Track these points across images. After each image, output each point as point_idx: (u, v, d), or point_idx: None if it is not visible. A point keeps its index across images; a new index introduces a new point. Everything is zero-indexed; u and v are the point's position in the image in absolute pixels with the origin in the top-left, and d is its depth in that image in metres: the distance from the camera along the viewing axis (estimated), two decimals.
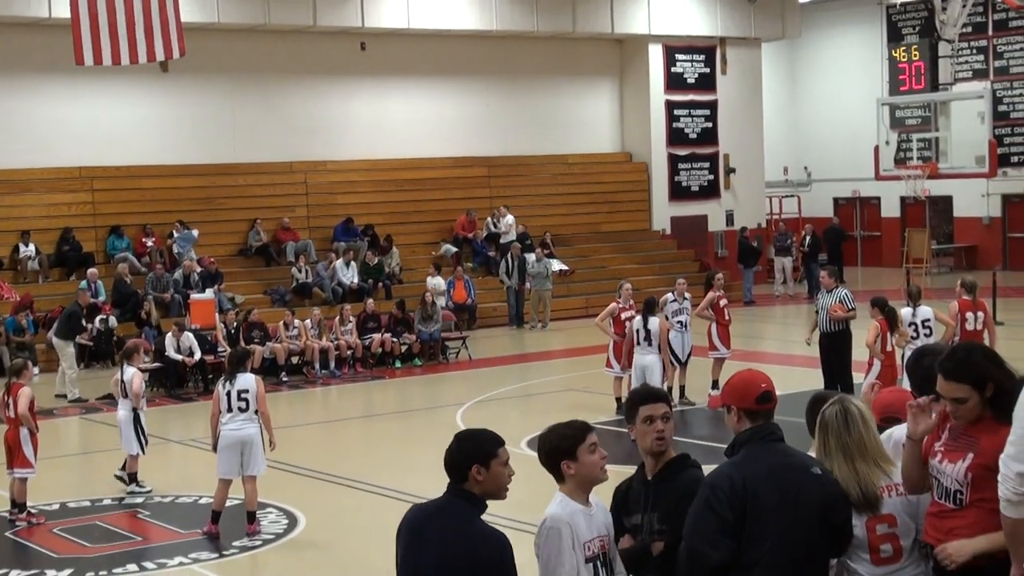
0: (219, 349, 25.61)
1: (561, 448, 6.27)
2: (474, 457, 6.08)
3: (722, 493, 6.02)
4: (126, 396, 16.43)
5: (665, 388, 19.28)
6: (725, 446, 6.44)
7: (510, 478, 6.17)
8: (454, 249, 34.81)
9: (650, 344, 19.46)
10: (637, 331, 19.62)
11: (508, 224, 35.39)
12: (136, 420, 16.41)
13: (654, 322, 19.51)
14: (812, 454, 6.50)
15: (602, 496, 6.54)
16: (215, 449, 14.24)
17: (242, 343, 24.85)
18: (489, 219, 35.76)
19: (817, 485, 6.15)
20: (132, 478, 16.43)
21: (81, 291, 27.34)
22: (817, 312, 20.34)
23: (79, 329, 25.65)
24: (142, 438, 16.44)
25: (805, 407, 6.80)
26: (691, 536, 6.05)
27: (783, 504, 6.02)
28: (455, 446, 6.15)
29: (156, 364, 25.02)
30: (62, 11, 25.19)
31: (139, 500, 16.07)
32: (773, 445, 6.24)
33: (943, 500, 6.10)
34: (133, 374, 16.58)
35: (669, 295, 22.00)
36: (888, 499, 6.34)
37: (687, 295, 21.89)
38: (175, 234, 31.30)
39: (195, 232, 31.35)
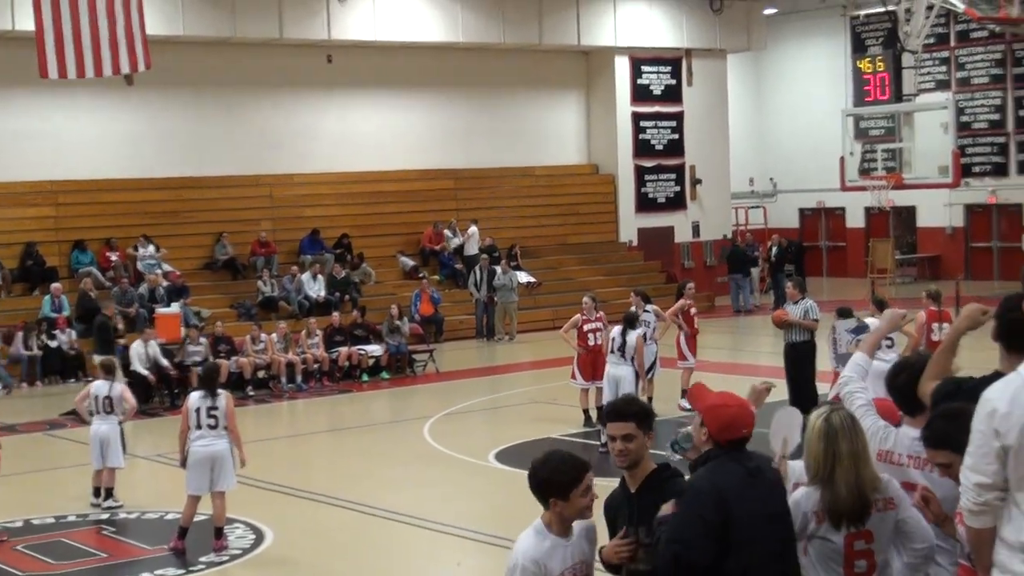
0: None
1: (553, 483, 6.23)
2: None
3: (706, 497, 6.04)
4: (110, 411, 16.36)
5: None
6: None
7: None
8: (411, 263, 34.80)
9: (623, 356, 19.41)
10: (613, 339, 19.54)
11: (470, 235, 35.34)
12: (120, 434, 16.38)
13: (632, 335, 19.47)
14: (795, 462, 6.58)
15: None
16: (183, 465, 14.17)
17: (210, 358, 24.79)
18: (447, 231, 35.71)
19: (773, 481, 6.32)
20: (109, 492, 16.36)
21: (107, 303, 27.13)
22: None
23: (113, 340, 25.27)
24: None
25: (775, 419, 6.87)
26: (673, 541, 6.03)
27: (761, 507, 6.07)
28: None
29: (125, 379, 24.84)
30: (26, 24, 25.06)
31: (105, 516, 15.98)
32: (743, 453, 6.28)
33: (964, 561, 6.18)
34: (121, 389, 16.61)
35: (631, 308, 21.94)
36: (872, 514, 6.38)
37: (647, 307, 21.79)
38: (139, 249, 31.13)
39: (156, 251, 31.21)
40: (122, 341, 26.58)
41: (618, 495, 6.60)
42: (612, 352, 19.50)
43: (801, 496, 6.42)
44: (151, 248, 31.26)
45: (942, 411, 6.41)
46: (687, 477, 6.42)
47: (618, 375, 19.28)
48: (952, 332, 7.07)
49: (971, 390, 6.05)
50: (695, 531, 5.98)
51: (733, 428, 6.29)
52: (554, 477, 6.19)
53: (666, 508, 6.24)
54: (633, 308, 21.46)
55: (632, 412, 6.57)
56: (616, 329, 19.67)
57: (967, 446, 5.78)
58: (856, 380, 7.24)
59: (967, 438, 5.82)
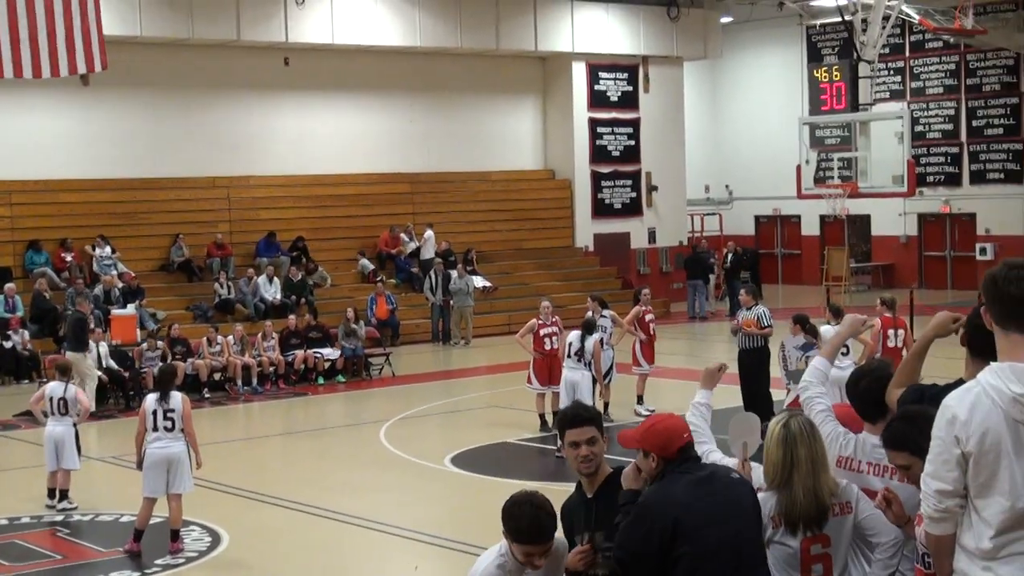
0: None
1: (513, 530, 6.14)
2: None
3: (653, 506, 6.06)
4: (65, 412, 16.29)
5: (598, 404, 19.37)
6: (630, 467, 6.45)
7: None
8: (371, 266, 34.79)
9: (579, 360, 19.44)
10: (570, 343, 19.55)
11: (426, 240, 35.33)
12: (75, 435, 16.32)
13: (590, 341, 19.50)
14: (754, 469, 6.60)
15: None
16: (139, 467, 14.11)
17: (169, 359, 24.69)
18: (403, 234, 35.70)
19: (739, 487, 6.29)
20: (64, 494, 16.28)
21: (80, 299, 26.91)
22: (737, 332, 20.52)
23: (87, 338, 24.99)
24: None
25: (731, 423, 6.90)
26: (620, 547, 6.07)
27: (711, 513, 6.07)
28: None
29: (75, 380, 24.68)
30: None
31: (59, 518, 15.90)
32: (694, 463, 6.31)
33: (920, 566, 6.20)
34: (76, 390, 16.55)
35: (588, 313, 21.97)
36: (829, 519, 6.43)
37: (604, 312, 21.83)
38: (96, 249, 30.95)
39: (112, 252, 31.08)
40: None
41: (574, 500, 6.61)
42: (569, 356, 19.53)
43: (759, 500, 6.46)
44: (107, 249, 31.10)
45: (902, 413, 6.46)
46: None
47: (574, 380, 19.31)
48: (921, 339, 7.13)
49: (935, 397, 6.10)
50: (639, 539, 6.01)
51: (674, 438, 6.27)
52: (522, 528, 6.12)
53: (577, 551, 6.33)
54: (590, 313, 21.53)
55: (591, 416, 6.60)
56: (574, 334, 19.68)
57: (926, 450, 5.84)
58: (816, 385, 7.25)
59: (926, 440, 5.86)
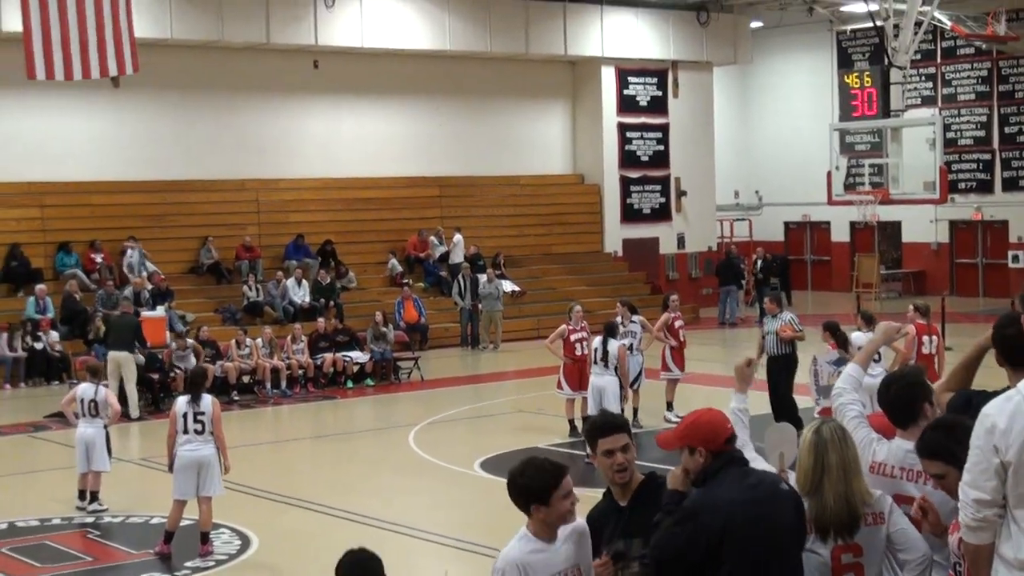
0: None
1: (533, 490, 6.19)
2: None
3: (704, 509, 6.00)
4: (96, 414, 16.31)
5: (623, 410, 19.28)
6: (671, 467, 6.41)
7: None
8: (400, 268, 34.82)
9: (606, 365, 19.39)
10: (595, 350, 19.53)
11: (455, 244, 35.34)
12: (106, 437, 16.36)
13: (613, 345, 19.46)
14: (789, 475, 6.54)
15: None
16: (171, 469, 14.12)
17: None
18: (433, 238, 35.72)
19: (790, 497, 6.21)
20: (95, 496, 16.31)
21: (125, 302, 27.05)
22: (763, 337, 20.44)
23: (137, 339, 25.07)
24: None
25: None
26: (657, 547, 6.02)
27: (760, 520, 6.01)
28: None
29: (106, 382, 24.75)
30: (14, 25, 24.99)
31: (90, 520, 15.92)
32: (742, 468, 6.25)
33: (953, 574, 6.15)
34: (106, 392, 16.59)
35: (616, 318, 21.89)
36: (861, 528, 6.36)
37: (634, 318, 21.79)
38: (129, 250, 30.97)
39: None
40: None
41: (604, 508, 6.54)
42: (595, 363, 19.48)
43: None
44: (137, 252, 31.15)
45: (937, 422, 6.41)
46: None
47: (601, 385, 19.24)
48: (975, 347, 7.07)
49: (982, 405, 6.04)
50: (685, 542, 5.95)
51: (719, 430, 6.26)
52: (533, 484, 6.18)
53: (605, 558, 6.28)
54: (619, 318, 21.48)
55: (621, 423, 6.56)
56: (597, 339, 19.65)
57: (961, 460, 5.78)
58: (849, 392, 7.21)
59: (961, 449, 5.82)
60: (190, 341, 26.24)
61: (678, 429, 6.40)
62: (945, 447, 6.07)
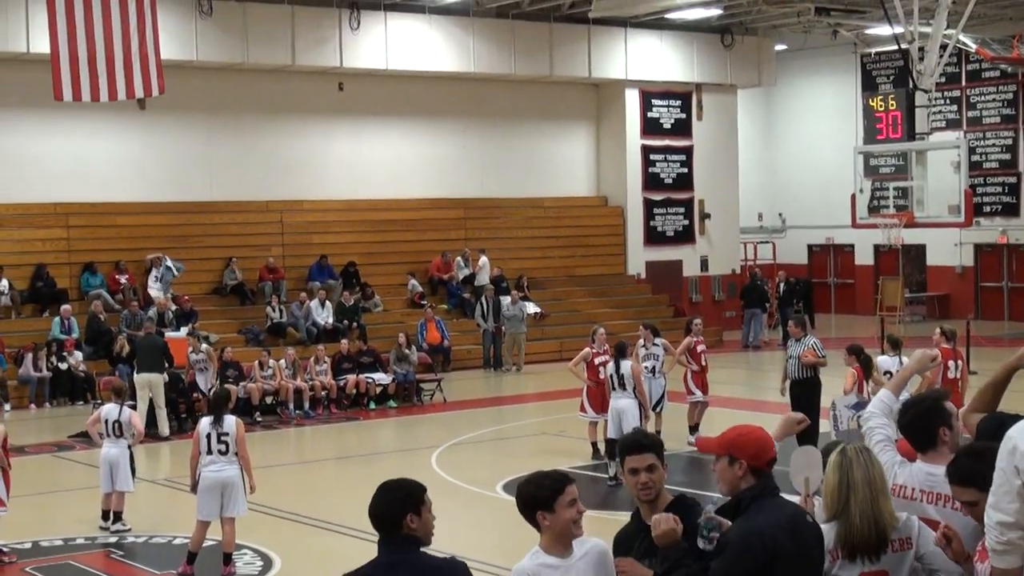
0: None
1: (538, 498, 6.20)
2: (408, 506, 6.13)
3: (754, 541, 6.00)
4: (120, 435, 16.37)
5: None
6: (699, 491, 6.41)
7: (434, 523, 6.23)
8: (419, 288, 34.87)
9: (624, 388, 19.34)
10: (611, 376, 19.51)
11: (481, 266, 35.37)
12: (130, 458, 16.42)
13: (626, 365, 19.40)
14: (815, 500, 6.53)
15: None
16: (194, 490, 14.14)
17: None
18: (459, 259, 35.77)
19: (817, 529, 6.22)
20: (118, 516, 16.35)
21: (148, 323, 27.18)
22: (787, 360, 20.41)
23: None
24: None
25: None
26: None
27: (799, 553, 6.03)
28: (385, 497, 6.18)
29: (131, 402, 24.81)
30: (41, 46, 25.15)
31: (113, 540, 15.95)
32: (779, 498, 6.24)
33: None
34: (130, 413, 16.64)
35: (639, 341, 21.90)
36: (888, 552, 6.33)
37: (657, 341, 21.76)
38: (167, 261, 30.98)
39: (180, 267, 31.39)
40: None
41: (630, 529, 6.53)
42: (614, 388, 19.39)
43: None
44: (162, 268, 31.22)
45: (968, 448, 6.38)
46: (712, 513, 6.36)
47: (620, 408, 19.13)
48: (1003, 369, 7.06)
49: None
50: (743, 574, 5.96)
51: (767, 448, 6.28)
52: (539, 492, 6.19)
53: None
54: (642, 341, 21.49)
55: (650, 443, 6.55)
56: (611, 364, 19.57)
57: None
58: (879, 416, 7.22)
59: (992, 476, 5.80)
60: (204, 346, 26.27)
61: (725, 437, 6.37)
62: (978, 473, 6.04)
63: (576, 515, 6.20)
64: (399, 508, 6.12)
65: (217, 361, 25.95)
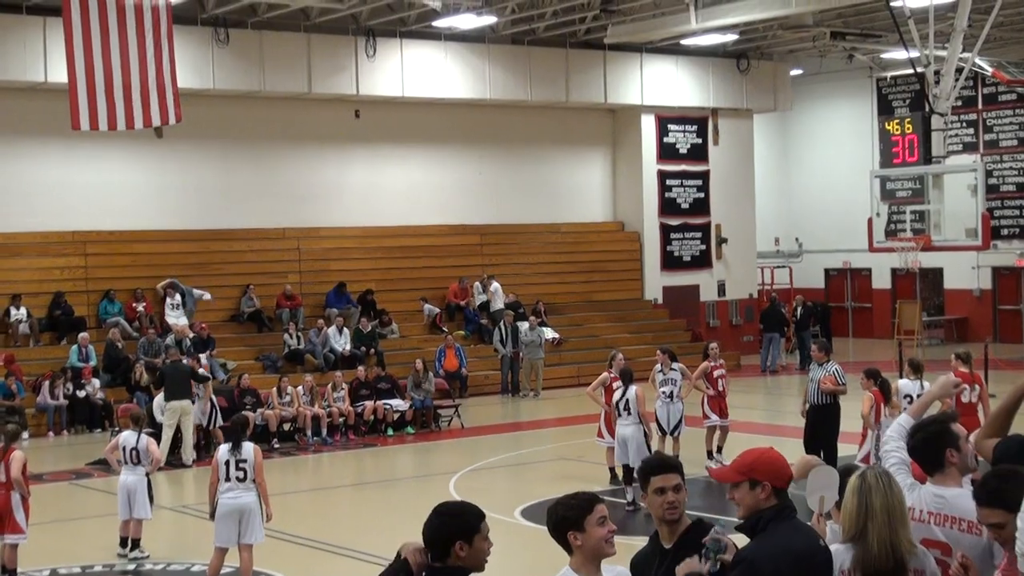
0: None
1: (568, 519, 6.19)
2: (457, 533, 6.06)
3: (766, 568, 6.01)
4: (137, 462, 16.40)
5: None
6: (717, 516, 6.43)
7: (489, 551, 6.15)
8: (436, 310, 34.89)
9: (629, 414, 19.27)
10: (617, 403, 19.44)
11: (493, 292, 35.37)
12: (148, 485, 16.44)
13: (631, 390, 19.36)
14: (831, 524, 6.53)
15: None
16: (212, 517, 14.15)
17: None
18: (477, 284, 35.79)
19: (827, 555, 6.23)
20: (136, 543, 16.37)
21: (173, 350, 27.23)
22: (808, 384, 20.36)
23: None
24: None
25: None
26: None
27: (815, 572, 6.07)
28: (436, 521, 6.11)
29: (148, 430, 24.83)
30: (59, 76, 25.28)
31: (131, 567, 15.95)
32: (795, 520, 6.28)
33: None
34: (147, 441, 16.66)
35: (657, 366, 21.85)
36: None
37: (674, 365, 21.71)
38: (168, 299, 31.10)
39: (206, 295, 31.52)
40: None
41: (648, 551, 6.55)
42: (620, 414, 19.34)
43: (834, 554, 6.37)
44: (178, 297, 31.28)
45: (995, 470, 6.40)
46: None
47: (626, 435, 19.14)
48: (1012, 394, 7.07)
49: None
50: None
51: (784, 467, 6.34)
52: (568, 512, 6.19)
53: (688, 564, 6.19)
54: (659, 366, 21.47)
55: (675, 464, 6.61)
56: (618, 392, 19.49)
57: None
58: (896, 440, 7.24)
59: (1021, 497, 5.81)
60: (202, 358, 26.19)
61: (742, 461, 6.41)
62: (1006, 494, 6.06)
63: (607, 533, 6.19)
64: (447, 534, 6.08)
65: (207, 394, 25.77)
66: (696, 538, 6.33)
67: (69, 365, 28.55)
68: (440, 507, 6.22)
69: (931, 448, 6.87)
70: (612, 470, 20.51)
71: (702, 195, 40.68)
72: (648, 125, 39.69)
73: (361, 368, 28.97)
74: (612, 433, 20.39)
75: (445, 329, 34.06)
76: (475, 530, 6.08)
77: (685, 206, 40.39)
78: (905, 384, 18.12)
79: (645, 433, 19.35)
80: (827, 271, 46.94)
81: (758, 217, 42.36)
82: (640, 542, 6.65)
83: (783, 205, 46.87)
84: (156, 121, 22.76)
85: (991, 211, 38.88)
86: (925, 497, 6.82)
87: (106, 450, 17.50)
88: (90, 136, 26.50)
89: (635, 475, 18.63)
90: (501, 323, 33.90)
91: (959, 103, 38.07)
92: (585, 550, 6.19)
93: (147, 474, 16.55)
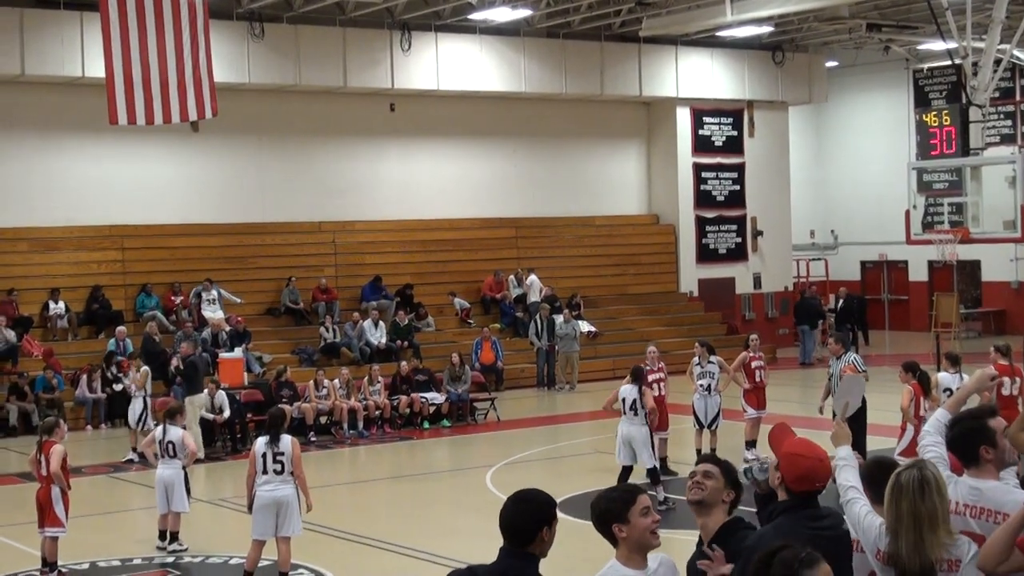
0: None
1: (612, 511, 6.21)
2: (544, 520, 6.14)
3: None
4: (173, 456, 16.47)
5: (655, 459, 19.01)
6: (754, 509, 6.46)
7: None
8: (467, 304, 34.91)
9: (635, 415, 19.04)
10: (623, 400, 19.01)
11: (530, 285, 35.38)
12: (185, 478, 16.50)
13: (637, 390, 19.02)
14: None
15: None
16: (250, 510, 14.19)
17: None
18: (512, 277, 35.81)
19: (849, 541, 6.41)
20: (174, 536, 16.45)
21: (188, 342, 27.32)
22: (829, 378, 20.29)
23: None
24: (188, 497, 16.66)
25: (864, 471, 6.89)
26: None
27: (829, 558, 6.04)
28: (526, 508, 6.18)
29: (183, 423, 24.90)
30: (96, 71, 25.37)
31: (170, 560, 16.03)
32: (804, 520, 6.34)
33: None
34: (183, 434, 16.72)
35: (694, 359, 21.79)
36: (941, 573, 6.31)
37: (712, 358, 21.62)
38: (221, 291, 31.30)
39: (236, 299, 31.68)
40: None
41: (698, 554, 6.60)
42: (624, 413, 19.12)
43: (876, 531, 6.47)
44: (214, 292, 31.47)
45: None
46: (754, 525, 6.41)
47: (630, 435, 18.74)
48: None
49: None
50: None
51: (808, 480, 6.39)
52: (611, 505, 6.23)
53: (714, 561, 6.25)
54: (696, 359, 21.44)
55: (722, 462, 6.73)
56: (628, 388, 19.04)
57: None
58: (933, 435, 7.27)
59: None
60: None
61: (787, 448, 6.59)
62: None
63: (652, 524, 6.21)
64: (536, 520, 6.15)
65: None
66: (726, 536, 6.45)
67: (108, 351, 28.61)
68: (519, 495, 6.29)
69: (966, 444, 6.94)
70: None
71: (737, 187, 40.57)
72: (683, 118, 39.60)
73: (403, 364, 28.88)
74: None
75: (472, 323, 34.10)
76: (555, 516, 6.19)
77: (720, 199, 40.29)
78: (944, 377, 18.00)
79: (651, 434, 19.11)
80: (863, 263, 46.73)
81: (793, 209, 42.22)
82: (681, 535, 6.65)
83: (819, 197, 46.68)
84: (192, 115, 22.79)
85: None
86: (961, 490, 6.85)
87: (143, 444, 17.60)
88: (127, 131, 26.63)
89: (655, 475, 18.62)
90: (537, 316, 33.90)
91: (997, 95, 37.82)
92: (630, 542, 6.20)
93: (183, 467, 16.60)
